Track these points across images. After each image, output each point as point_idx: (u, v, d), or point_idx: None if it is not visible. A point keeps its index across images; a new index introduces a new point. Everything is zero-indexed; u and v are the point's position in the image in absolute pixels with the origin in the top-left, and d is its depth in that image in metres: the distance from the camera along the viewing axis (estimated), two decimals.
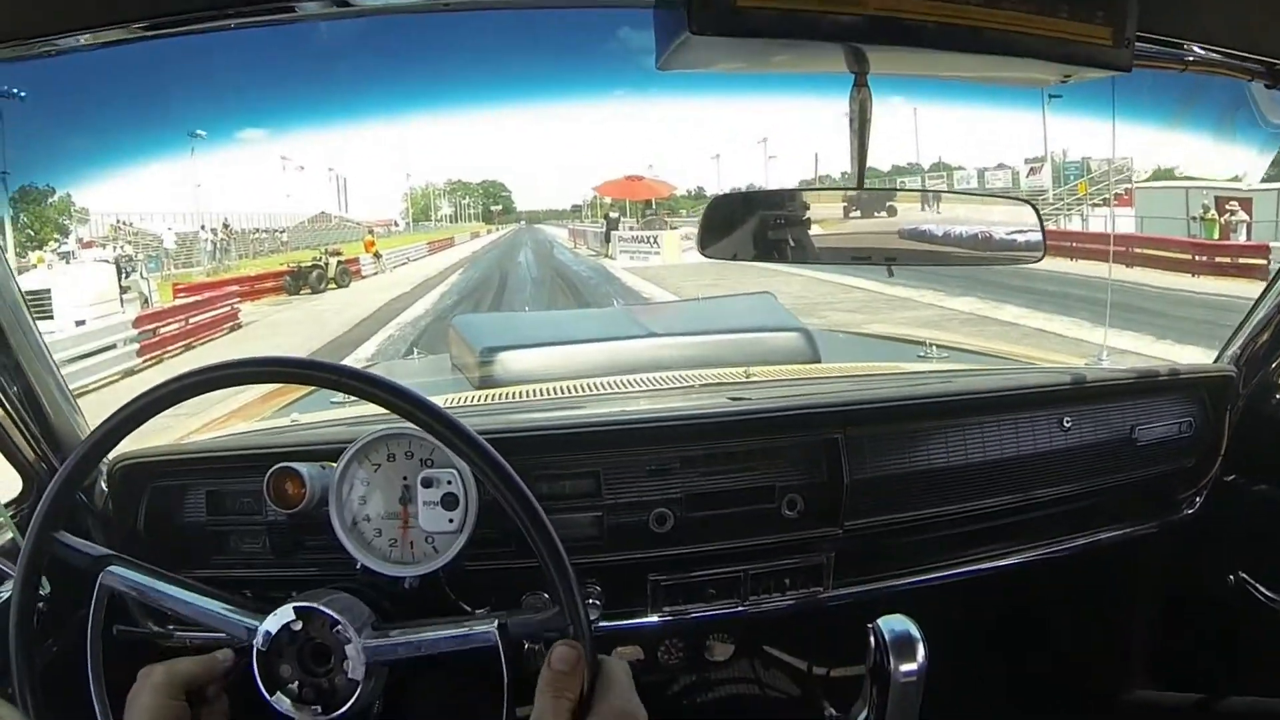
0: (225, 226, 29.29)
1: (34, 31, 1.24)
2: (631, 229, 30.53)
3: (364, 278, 26.20)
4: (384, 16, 1.34)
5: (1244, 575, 2.10)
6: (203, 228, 28.13)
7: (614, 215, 33.92)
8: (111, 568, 1.28)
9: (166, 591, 1.29)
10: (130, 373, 12.65)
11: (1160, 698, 2.32)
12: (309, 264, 24.14)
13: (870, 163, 1.36)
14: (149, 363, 13.57)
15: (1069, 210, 25.42)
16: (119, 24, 1.24)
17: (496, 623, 1.24)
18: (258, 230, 31.83)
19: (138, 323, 14.63)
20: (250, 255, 29.27)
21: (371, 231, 35.49)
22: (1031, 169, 29.25)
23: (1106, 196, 24.44)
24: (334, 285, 23.69)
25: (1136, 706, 2.36)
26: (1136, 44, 1.21)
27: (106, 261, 19.35)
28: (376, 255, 29.01)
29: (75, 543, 1.29)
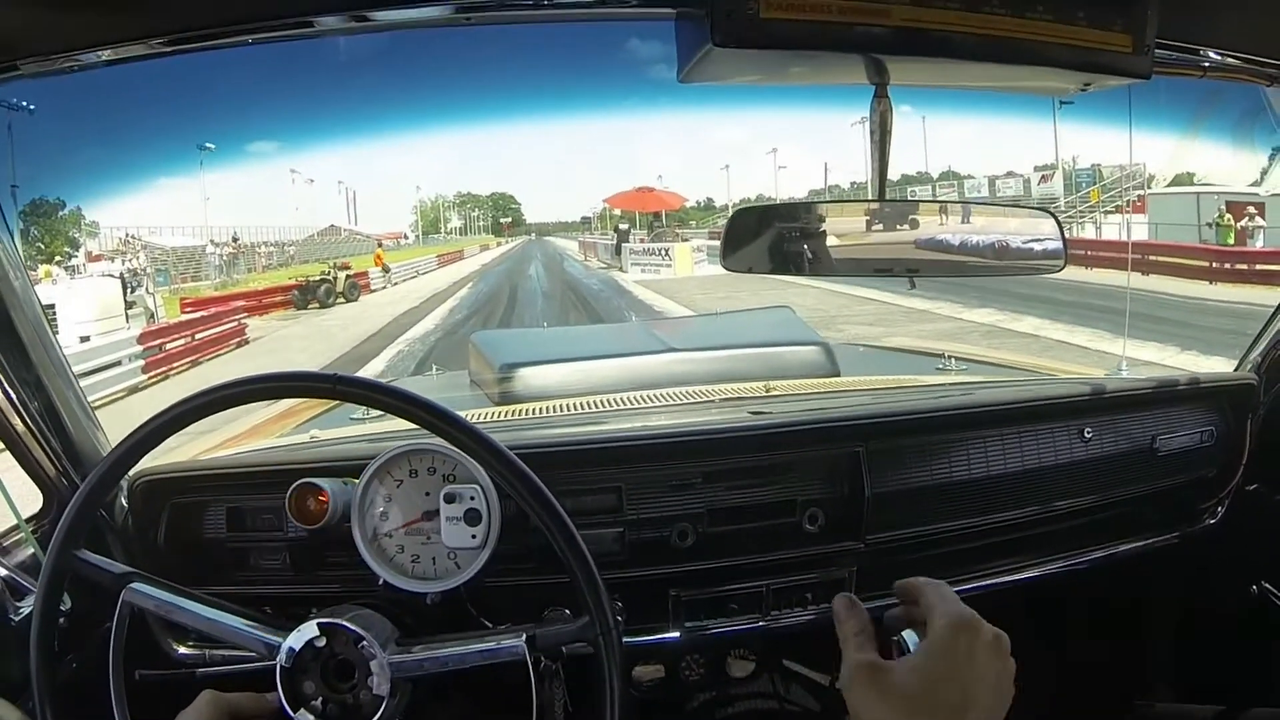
0: (234, 240, 29.57)
1: (56, 48, 1.24)
2: (641, 241, 30.97)
3: (373, 291, 26.58)
4: (398, 31, 1.34)
5: (1267, 585, 2.09)
6: (211, 242, 28.31)
7: (624, 227, 35.02)
8: (133, 585, 1.28)
9: (188, 608, 1.29)
10: (135, 390, 12.64)
11: (1181, 710, 2.30)
12: (317, 278, 24.36)
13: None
14: (154, 379, 13.55)
15: (1081, 218, 25.31)
16: (140, 39, 1.24)
17: (524, 635, 1.24)
18: (266, 244, 32.22)
19: (143, 339, 14.53)
20: (259, 269, 29.96)
21: (380, 245, 36.52)
22: (1043, 176, 29.33)
23: (1120, 204, 24.35)
24: (342, 300, 23.90)
25: (1156, 718, 2.34)
26: (1156, 52, 1.20)
27: (112, 276, 19.35)
28: (385, 269, 29.39)
29: (97, 560, 1.30)
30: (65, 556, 1.27)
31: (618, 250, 29.83)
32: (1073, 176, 28.37)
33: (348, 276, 25.02)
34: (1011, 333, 13.28)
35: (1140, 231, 21.32)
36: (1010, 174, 31.88)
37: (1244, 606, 2.11)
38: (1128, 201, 24.12)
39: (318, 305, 23.21)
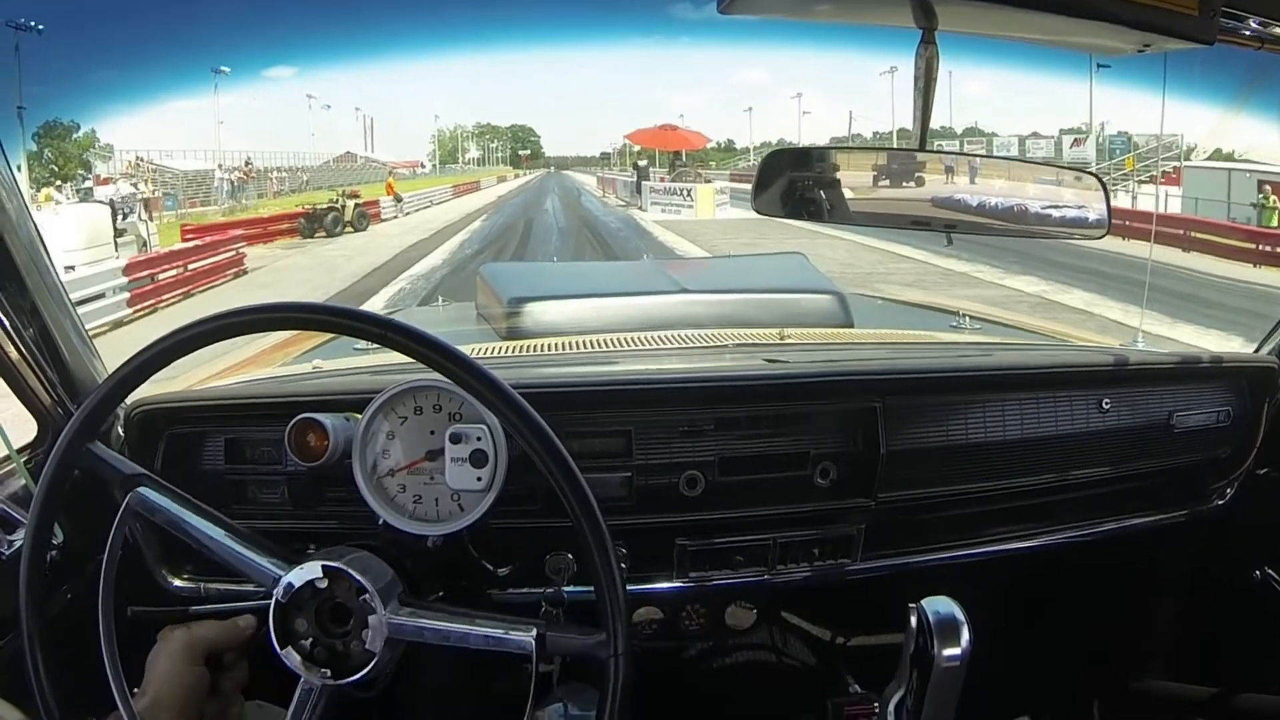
0: (247, 164, 28.82)
1: None
2: (662, 180, 29.72)
3: (384, 221, 26.05)
4: None
5: (1270, 571, 2.07)
6: (219, 166, 27.72)
7: (643, 164, 33.13)
8: (142, 489, 1.25)
9: (194, 523, 1.27)
10: (119, 324, 12.23)
11: (1175, 689, 2.31)
12: (324, 206, 23.96)
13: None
14: (140, 313, 13.09)
15: (1114, 185, 25.05)
16: None
17: (535, 632, 1.20)
18: (279, 170, 31.48)
19: (129, 269, 13.90)
20: (270, 195, 29.12)
21: (392, 173, 35.37)
22: (1076, 140, 28.81)
23: (1155, 174, 24.04)
24: (350, 229, 23.51)
25: (1151, 696, 2.35)
26: (1222, 20, 1.16)
27: (101, 202, 18.92)
28: (397, 198, 28.62)
29: (109, 455, 1.27)
30: (76, 448, 1.24)
31: (638, 188, 29.11)
32: (1105, 142, 27.90)
33: (356, 205, 24.60)
34: (1063, 306, 12.74)
35: (1175, 205, 21.09)
36: (1036, 135, 31.46)
37: (1245, 591, 2.11)
38: (1162, 172, 23.82)
39: (324, 234, 22.89)
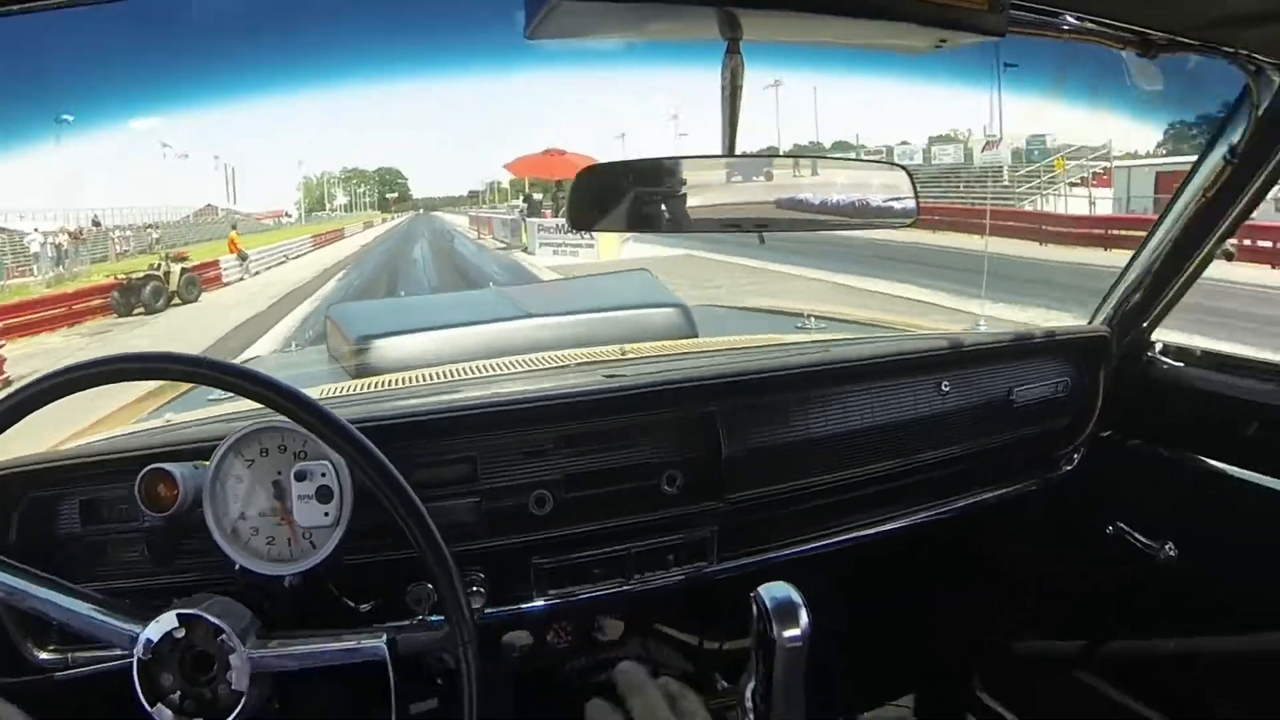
0: (95, 224, 26.11)
1: None
2: (545, 214, 26.11)
3: (225, 285, 22.67)
4: None
5: (1122, 525, 2.17)
6: (35, 229, 24.02)
7: (537, 197, 28.19)
8: None
9: (39, 595, 1.24)
10: None
11: (1049, 647, 2.40)
12: (141, 275, 19.70)
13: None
14: None
15: (1042, 190, 25.15)
16: None
17: (385, 637, 1.23)
18: (123, 228, 28.32)
19: None
20: (115, 258, 24.66)
21: (235, 227, 30.79)
22: (989, 143, 29.02)
23: (1078, 176, 24.44)
24: (178, 300, 19.67)
25: (1027, 658, 2.44)
26: (1012, 11, 1.21)
27: None
28: (242, 256, 25.14)
29: None
30: None
31: (521, 226, 25.80)
32: (1023, 146, 28.04)
33: (184, 271, 20.39)
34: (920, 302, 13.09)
35: (1106, 206, 21.75)
36: (904, 143, 31.78)
37: (1102, 546, 2.20)
38: (1093, 174, 24.34)
39: (144, 310, 18.78)
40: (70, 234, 24.70)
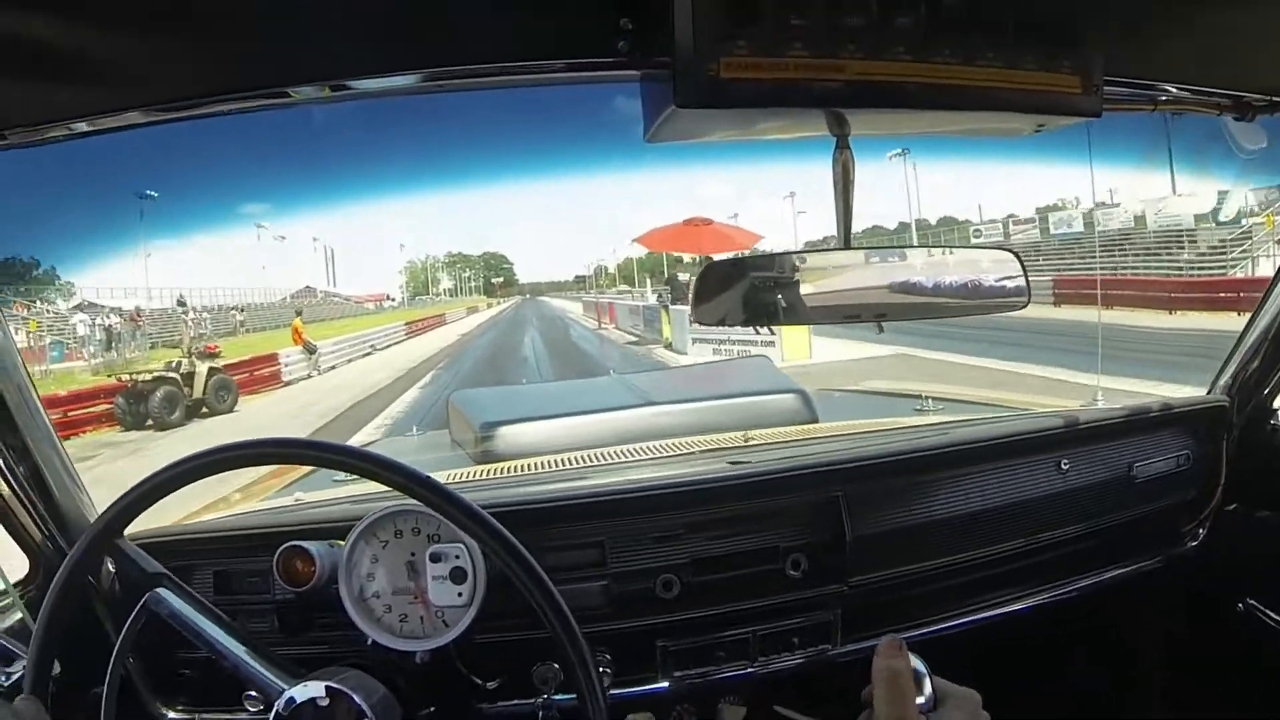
0: (180, 304, 23.99)
1: (43, 118, 1.26)
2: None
3: (285, 384, 19.01)
4: (377, 100, 1.36)
5: (1252, 602, 2.11)
6: (77, 308, 22.62)
7: (683, 278, 20.65)
8: (162, 589, 1.31)
9: (207, 629, 1.31)
10: None
11: None
12: (151, 377, 15.27)
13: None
14: None
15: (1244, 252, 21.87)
16: (120, 110, 1.26)
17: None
18: (204, 309, 25.66)
19: None
20: (188, 343, 18.78)
21: (299, 313, 26.02)
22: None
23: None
24: (205, 411, 15.39)
25: None
26: (1107, 88, 1.24)
27: None
28: (309, 349, 20.99)
29: (135, 552, 1.33)
30: (105, 540, 1.29)
31: (663, 315, 19.84)
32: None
33: (213, 370, 16.02)
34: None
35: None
36: (1013, 218, 30.78)
37: (1232, 624, 2.14)
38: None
39: (154, 425, 14.60)
40: (128, 314, 22.84)
